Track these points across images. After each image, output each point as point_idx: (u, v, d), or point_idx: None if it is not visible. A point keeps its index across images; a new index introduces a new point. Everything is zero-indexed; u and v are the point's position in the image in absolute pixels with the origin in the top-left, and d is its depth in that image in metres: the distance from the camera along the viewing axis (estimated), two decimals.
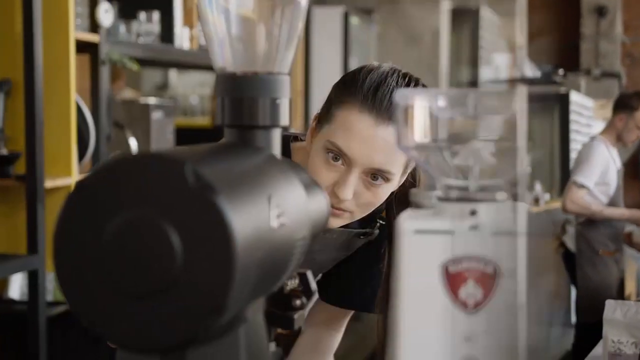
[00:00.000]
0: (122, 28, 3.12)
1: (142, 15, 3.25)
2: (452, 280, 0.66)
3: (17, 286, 2.97)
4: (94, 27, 2.83)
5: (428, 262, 0.66)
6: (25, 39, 2.43)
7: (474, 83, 7.26)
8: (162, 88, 6.27)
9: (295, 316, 0.85)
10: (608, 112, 8.03)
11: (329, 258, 1.47)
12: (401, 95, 0.69)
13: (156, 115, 3.28)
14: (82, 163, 2.77)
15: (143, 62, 3.47)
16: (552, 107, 6.92)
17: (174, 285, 0.59)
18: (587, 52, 8.06)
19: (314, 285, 0.86)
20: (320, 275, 1.54)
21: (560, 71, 7.07)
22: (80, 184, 0.62)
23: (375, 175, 1.27)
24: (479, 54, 7.24)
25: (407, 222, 0.67)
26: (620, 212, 4.53)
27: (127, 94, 4.61)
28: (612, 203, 4.41)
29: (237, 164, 0.69)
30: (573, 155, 7.09)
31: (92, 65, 2.84)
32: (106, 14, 2.81)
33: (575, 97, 7.11)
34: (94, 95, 2.84)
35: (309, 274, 0.86)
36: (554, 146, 7.13)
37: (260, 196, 0.66)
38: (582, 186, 4.39)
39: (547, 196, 5.92)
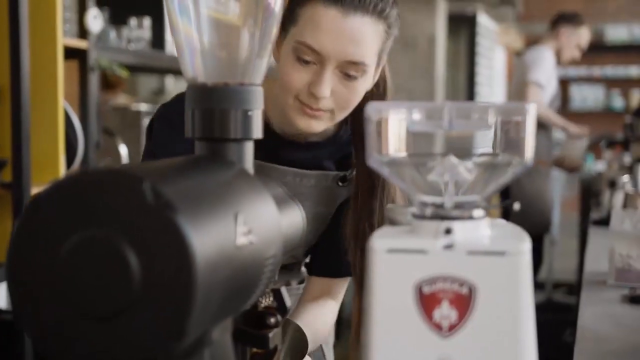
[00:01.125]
0: (113, 34, 3.09)
1: (133, 21, 3.23)
2: (426, 301, 0.63)
3: (3, 295, 2.94)
4: (84, 33, 2.80)
5: (401, 282, 0.64)
6: (12, 45, 2.40)
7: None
8: (158, 93, 6.25)
9: (270, 335, 0.82)
10: (510, 37, 8.03)
11: (308, 214, 1.41)
12: (374, 108, 0.67)
13: (147, 122, 3.25)
14: (70, 170, 2.74)
15: (133, 69, 3.44)
16: (459, 27, 6.92)
17: (132, 308, 0.56)
18: None
19: (288, 302, 0.83)
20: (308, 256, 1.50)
21: None
22: (36, 200, 0.59)
23: (350, 71, 1.24)
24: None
25: (379, 240, 0.65)
26: (569, 124, 4.59)
27: (121, 99, 4.59)
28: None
29: (203, 180, 0.66)
30: (478, 79, 7.14)
31: (81, 72, 2.81)
32: (95, 20, 2.79)
33: (482, 20, 7.09)
34: (82, 102, 2.81)
35: (283, 290, 0.83)
36: (460, 68, 7.15)
37: (226, 213, 0.63)
38: (539, 85, 4.36)
39: None
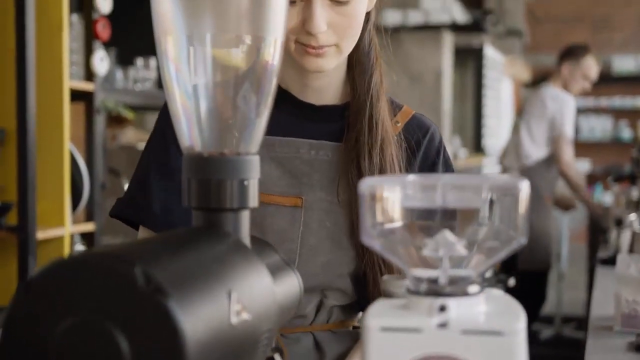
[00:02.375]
0: (120, 74, 3.11)
1: (140, 61, 3.25)
2: None
3: None
4: (90, 75, 2.81)
5: None
6: (19, 88, 2.42)
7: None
8: None
9: None
10: (517, 69, 8.02)
11: (334, 203, 1.30)
12: (367, 184, 0.67)
13: None
14: (75, 213, 2.74)
15: (139, 109, 3.46)
16: (466, 59, 6.92)
17: None
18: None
19: None
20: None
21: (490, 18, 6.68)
22: (28, 283, 0.59)
23: None
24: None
25: (373, 318, 0.64)
26: (593, 205, 4.59)
27: (130, 134, 4.60)
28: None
29: (196, 257, 0.66)
30: (486, 111, 7.13)
31: (87, 114, 2.82)
32: (101, 62, 2.80)
33: (488, 52, 7.09)
34: (88, 144, 2.82)
35: (277, 358, 0.82)
36: (467, 100, 7.15)
37: (219, 292, 0.63)
38: (571, 139, 4.34)
39: (464, 151, 6.04)
